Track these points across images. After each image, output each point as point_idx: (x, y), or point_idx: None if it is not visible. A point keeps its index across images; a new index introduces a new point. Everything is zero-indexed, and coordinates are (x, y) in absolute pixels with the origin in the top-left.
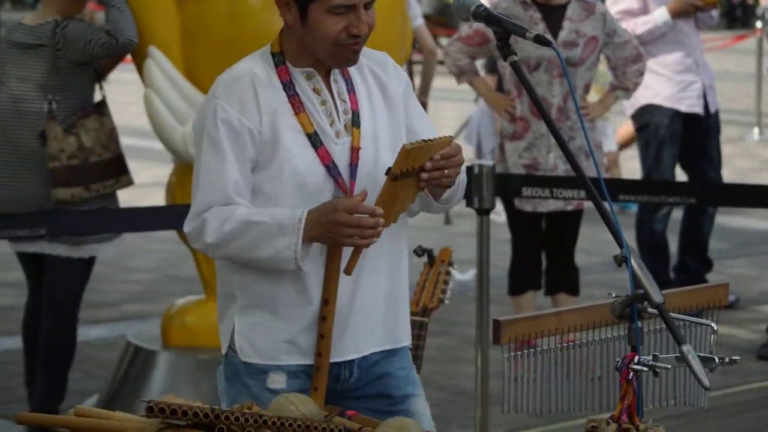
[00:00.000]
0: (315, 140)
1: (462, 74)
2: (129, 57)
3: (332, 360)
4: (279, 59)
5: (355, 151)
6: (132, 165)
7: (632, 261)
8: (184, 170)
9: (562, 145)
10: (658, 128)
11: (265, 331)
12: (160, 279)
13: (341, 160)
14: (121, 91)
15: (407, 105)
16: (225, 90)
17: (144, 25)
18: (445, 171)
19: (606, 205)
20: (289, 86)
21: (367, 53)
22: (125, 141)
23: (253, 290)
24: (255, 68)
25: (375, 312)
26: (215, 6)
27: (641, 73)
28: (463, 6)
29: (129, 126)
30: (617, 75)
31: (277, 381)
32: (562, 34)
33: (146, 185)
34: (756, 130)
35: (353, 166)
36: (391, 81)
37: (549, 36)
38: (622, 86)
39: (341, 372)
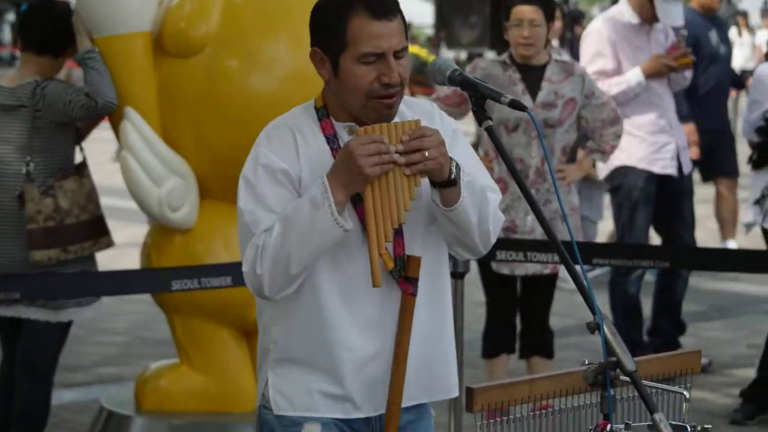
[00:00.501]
0: (355, 195)
1: None
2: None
3: (366, 414)
4: (323, 113)
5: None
6: (107, 224)
7: (605, 328)
8: (159, 232)
9: (534, 207)
10: (631, 190)
11: (298, 382)
12: (134, 341)
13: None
14: (97, 150)
15: (454, 151)
16: (267, 138)
17: (120, 85)
18: (426, 153)
19: (579, 269)
20: (332, 140)
21: (410, 103)
22: (101, 200)
23: (286, 342)
24: (297, 119)
25: (412, 363)
26: (192, 67)
27: (618, 136)
28: (439, 70)
29: (104, 185)
30: (594, 137)
31: None
32: (541, 95)
33: (122, 245)
34: None
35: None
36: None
37: (528, 97)
38: (600, 149)
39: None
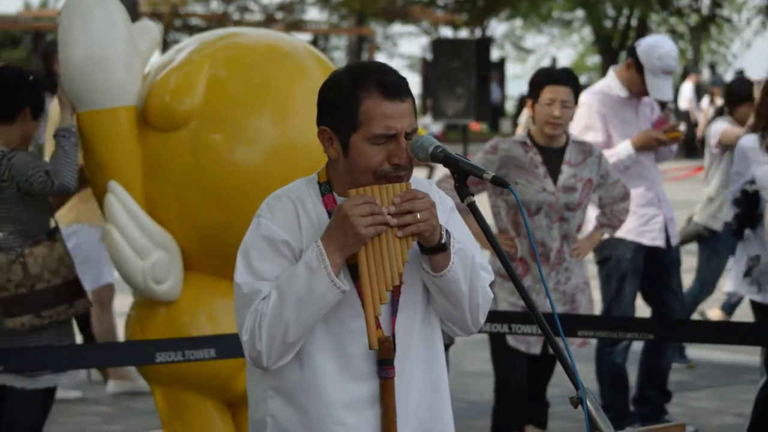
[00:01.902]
0: (354, 272)
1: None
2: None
3: None
4: (326, 188)
5: (396, 287)
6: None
7: (588, 402)
8: (144, 304)
9: (516, 282)
10: (621, 261)
11: None
12: (119, 412)
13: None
14: None
15: (450, 227)
16: (269, 208)
17: (105, 159)
18: (418, 215)
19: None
20: None
21: (414, 181)
22: None
23: (284, 415)
24: (299, 192)
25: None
26: (176, 141)
27: (627, 211)
28: (421, 147)
29: None
30: (605, 213)
31: None
32: (562, 179)
33: None
34: None
35: (395, 300)
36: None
37: (549, 180)
38: (610, 224)
39: None
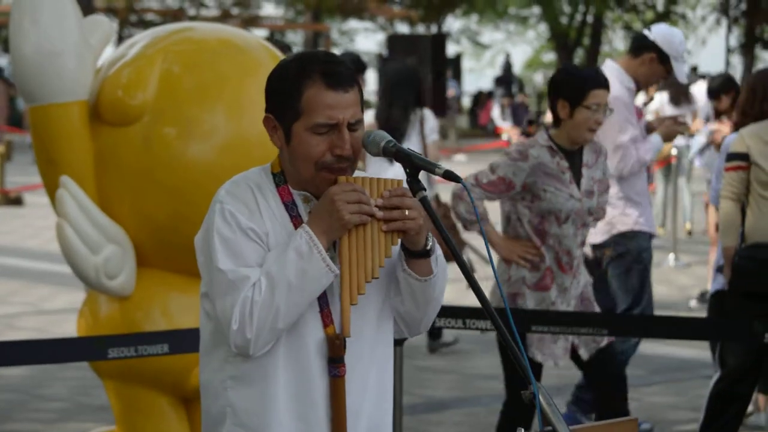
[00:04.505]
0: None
1: (473, 222)
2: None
3: None
4: (280, 179)
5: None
6: (46, 290)
7: (540, 398)
8: (96, 300)
9: (470, 279)
10: (640, 253)
11: None
12: (73, 408)
13: (336, 287)
14: (38, 215)
15: None
16: (228, 195)
17: (56, 154)
18: (406, 212)
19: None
20: (291, 207)
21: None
22: (40, 265)
23: (243, 407)
24: (257, 179)
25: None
26: (129, 135)
27: (606, 203)
28: (373, 141)
29: (44, 250)
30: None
31: None
32: (583, 183)
33: (61, 311)
34: (671, 256)
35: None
36: None
37: (575, 186)
38: (596, 217)
39: None
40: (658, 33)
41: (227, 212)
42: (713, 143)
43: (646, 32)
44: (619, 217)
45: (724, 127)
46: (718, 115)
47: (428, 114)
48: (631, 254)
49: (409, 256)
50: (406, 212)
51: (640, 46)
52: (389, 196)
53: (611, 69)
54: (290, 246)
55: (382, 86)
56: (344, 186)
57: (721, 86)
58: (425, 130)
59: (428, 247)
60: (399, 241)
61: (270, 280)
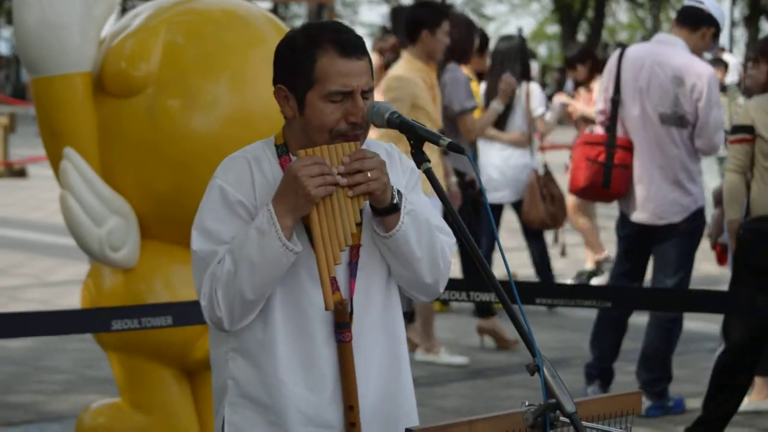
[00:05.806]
0: (310, 233)
1: None
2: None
3: None
4: (282, 150)
5: (355, 249)
6: (50, 263)
7: (544, 370)
8: (100, 272)
9: (475, 254)
10: (704, 229)
11: (256, 418)
12: (76, 379)
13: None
14: (42, 187)
15: (408, 188)
16: (222, 169)
17: (60, 125)
18: (368, 173)
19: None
20: None
21: (372, 145)
22: (44, 238)
23: (244, 378)
24: (256, 152)
25: (371, 409)
26: (133, 107)
27: None
28: (377, 113)
29: (48, 223)
30: None
31: None
32: None
33: (65, 283)
34: None
35: (353, 263)
36: (394, 172)
37: None
38: None
39: None
40: (711, 5)
41: (217, 187)
42: (570, 118)
43: (697, 4)
44: (699, 192)
45: (576, 103)
46: (577, 85)
47: (535, 88)
48: (699, 232)
49: (378, 214)
50: (368, 174)
51: (698, 19)
52: (349, 161)
53: (681, 45)
54: (253, 224)
55: (491, 59)
56: (305, 160)
57: (577, 56)
58: (532, 103)
59: (394, 202)
60: (366, 203)
61: (233, 257)
